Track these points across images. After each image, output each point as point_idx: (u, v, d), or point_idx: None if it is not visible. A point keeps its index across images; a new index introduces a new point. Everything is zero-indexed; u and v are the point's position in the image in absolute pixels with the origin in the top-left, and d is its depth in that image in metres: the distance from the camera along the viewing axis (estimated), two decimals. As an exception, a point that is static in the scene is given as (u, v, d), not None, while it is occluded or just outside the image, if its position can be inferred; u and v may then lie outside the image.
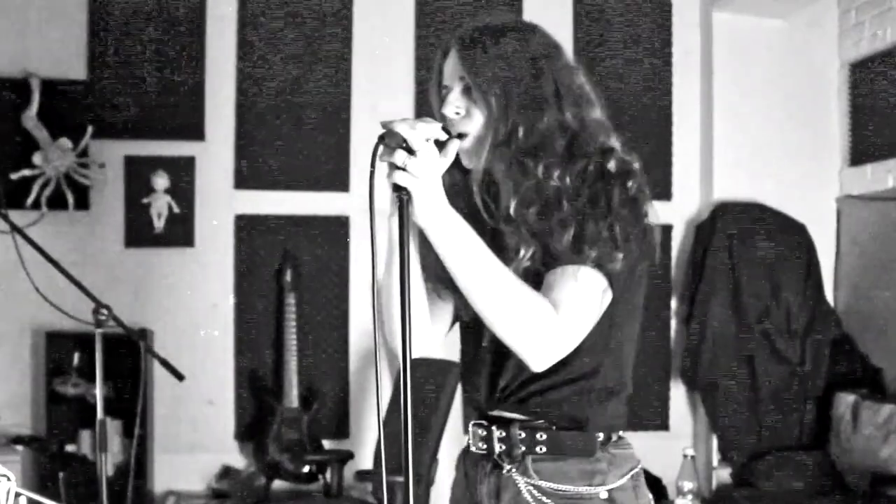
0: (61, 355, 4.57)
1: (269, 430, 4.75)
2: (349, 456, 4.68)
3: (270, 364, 4.95)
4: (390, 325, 1.70)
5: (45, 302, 2.99)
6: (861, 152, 5.04)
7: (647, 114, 5.33)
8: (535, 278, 1.62)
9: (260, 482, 4.71)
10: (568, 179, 1.65)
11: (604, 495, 1.70)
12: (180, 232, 4.93)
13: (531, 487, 1.71)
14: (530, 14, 5.24)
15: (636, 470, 1.77)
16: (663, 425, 5.30)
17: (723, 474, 5.01)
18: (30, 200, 4.64)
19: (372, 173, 1.53)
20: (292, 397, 4.78)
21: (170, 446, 4.82)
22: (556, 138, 1.68)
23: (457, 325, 1.84)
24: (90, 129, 4.75)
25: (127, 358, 3.76)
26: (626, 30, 5.33)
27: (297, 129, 5.04)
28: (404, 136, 1.54)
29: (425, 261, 1.70)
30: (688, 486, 3.96)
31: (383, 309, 1.72)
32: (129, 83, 4.89)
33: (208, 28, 4.98)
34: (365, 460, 4.52)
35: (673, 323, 5.33)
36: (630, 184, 1.70)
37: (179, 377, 3.09)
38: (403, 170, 1.54)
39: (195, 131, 4.96)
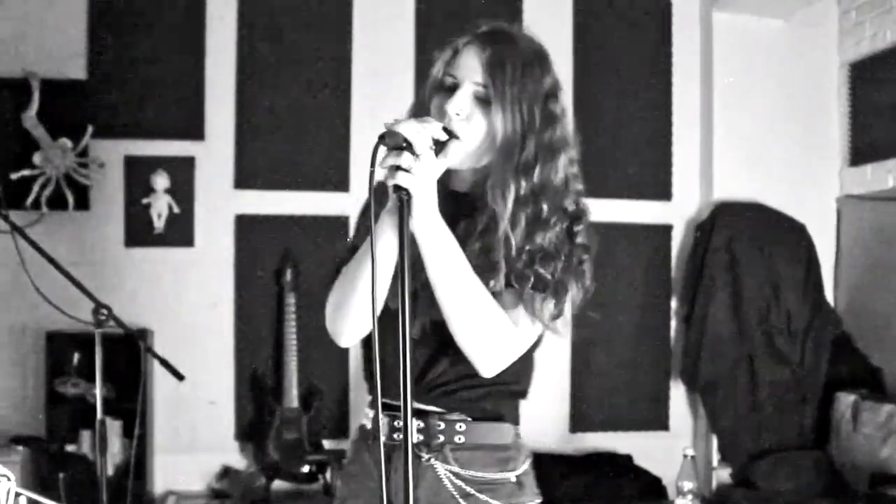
0: (61, 355, 4.57)
1: (269, 430, 4.75)
2: (349, 456, 4.68)
3: (270, 364, 4.95)
4: (341, 320, 1.80)
5: (45, 302, 2.99)
6: (861, 152, 5.04)
7: (647, 114, 5.33)
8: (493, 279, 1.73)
9: (260, 482, 4.71)
10: (553, 234, 1.76)
11: (513, 479, 1.85)
12: (180, 232, 4.93)
13: (450, 474, 1.81)
14: (530, 14, 5.24)
15: (531, 457, 1.94)
16: (663, 425, 5.30)
17: (723, 474, 5.01)
18: (30, 200, 4.64)
19: (372, 173, 1.54)
20: (292, 397, 4.78)
21: (170, 446, 4.82)
22: (559, 187, 1.79)
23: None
24: (90, 129, 4.75)
25: (127, 358, 3.76)
26: (626, 30, 5.33)
27: (297, 129, 5.05)
28: (409, 138, 1.55)
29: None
30: (688, 486, 3.97)
31: (339, 303, 1.80)
32: (129, 83, 4.89)
33: (208, 28, 4.99)
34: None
35: (673, 323, 5.33)
36: (581, 230, 1.83)
37: (179, 377, 3.09)
38: (407, 171, 1.55)
39: (195, 131, 4.97)
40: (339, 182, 5.02)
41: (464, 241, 1.71)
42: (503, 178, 1.72)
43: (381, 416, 1.77)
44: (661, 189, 5.34)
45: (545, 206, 1.75)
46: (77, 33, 4.86)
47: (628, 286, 5.30)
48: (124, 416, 4.47)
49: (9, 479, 1.75)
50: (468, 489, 1.81)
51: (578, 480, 4.68)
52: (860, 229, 5.11)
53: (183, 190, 4.93)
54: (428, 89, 1.79)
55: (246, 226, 5.01)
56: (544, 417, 5.13)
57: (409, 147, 1.56)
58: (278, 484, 4.74)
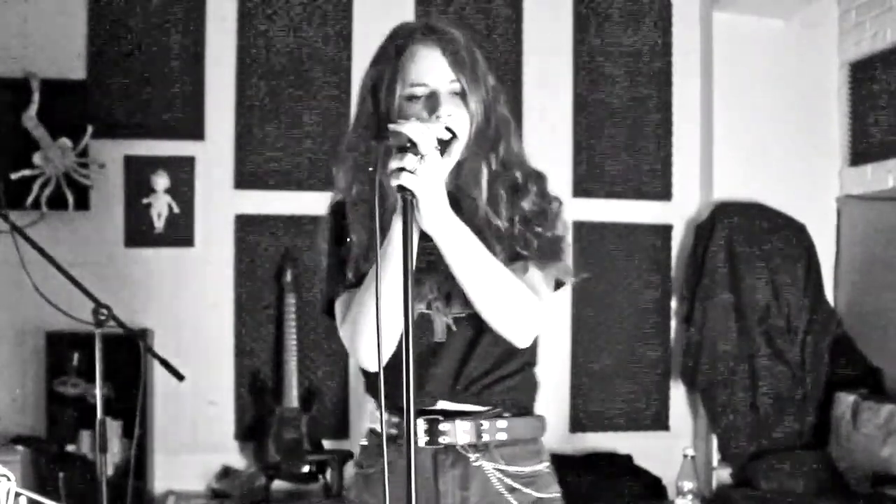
0: (61, 355, 4.57)
1: (269, 430, 4.75)
2: (349, 456, 4.68)
3: (270, 364, 4.95)
4: (359, 338, 1.75)
5: (45, 302, 2.99)
6: (861, 152, 5.04)
7: (647, 114, 5.33)
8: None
9: (260, 482, 4.71)
10: (533, 196, 1.84)
11: (547, 469, 1.92)
12: (180, 232, 4.93)
13: (497, 472, 1.84)
14: (530, 14, 5.24)
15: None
16: (663, 425, 5.30)
17: (723, 474, 5.01)
18: (30, 200, 4.64)
19: (373, 175, 1.54)
20: (292, 397, 4.78)
21: (170, 446, 4.82)
22: (521, 152, 1.88)
23: None
24: (90, 129, 4.74)
25: (127, 358, 3.76)
26: (626, 30, 5.33)
27: (297, 129, 5.05)
28: (414, 138, 1.55)
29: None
30: (688, 486, 3.96)
31: (356, 319, 1.76)
32: (129, 83, 4.89)
33: (208, 28, 4.98)
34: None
35: (673, 323, 5.33)
36: (557, 205, 1.89)
37: (179, 377, 3.09)
38: (412, 173, 1.54)
39: (195, 131, 4.96)
40: (339, 182, 5.02)
41: None
42: (474, 161, 1.79)
43: (420, 420, 1.81)
44: (661, 189, 5.34)
45: (518, 174, 1.84)
46: (77, 33, 4.85)
47: (628, 286, 5.30)
48: (124, 416, 4.46)
49: (9, 479, 1.75)
50: (514, 484, 1.85)
51: (578, 480, 4.68)
52: (860, 229, 5.11)
53: (183, 190, 4.93)
54: (397, 104, 1.78)
55: (246, 226, 5.01)
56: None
57: (413, 147, 1.55)
58: (278, 484, 4.74)
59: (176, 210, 4.90)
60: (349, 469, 4.64)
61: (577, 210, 5.17)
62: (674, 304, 5.33)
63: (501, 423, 1.85)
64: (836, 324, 5.01)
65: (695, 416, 5.30)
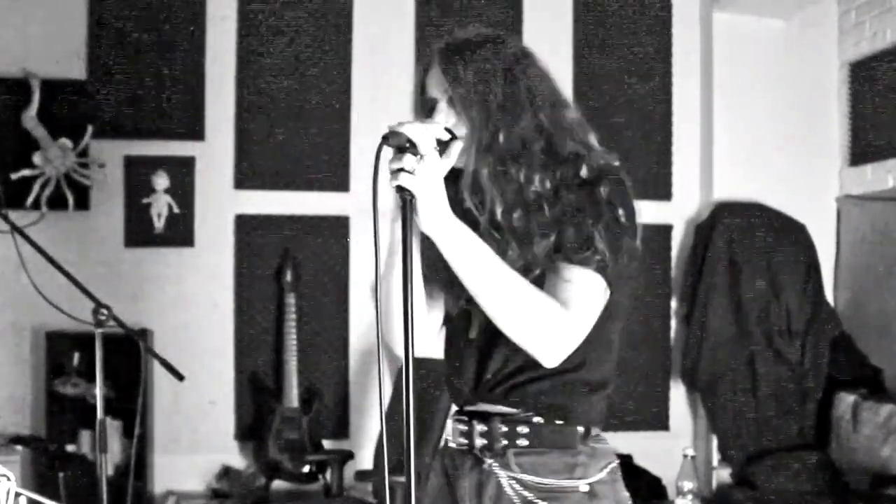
0: (61, 355, 4.57)
1: (269, 430, 4.75)
2: (349, 456, 4.68)
3: (270, 364, 4.95)
4: (389, 325, 1.72)
5: (45, 302, 2.99)
6: (861, 152, 5.04)
7: (647, 114, 5.33)
8: (524, 276, 1.65)
9: (260, 482, 4.72)
10: (548, 183, 1.69)
11: (584, 488, 1.72)
12: (180, 232, 4.93)
13: (513, 481, 1.72)
14: (530, 14, 5.24)
15: (614, 465, 1.81)
16: (663, 425, 5.30)
17: (723, 474, 5.01)
18: (30, 200, 4.64)
19: (375, 175, 1.53)
20: (292, 397, 4.78)
21: (170, 446, 4.82)
22: (534, 141, 1.72)
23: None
24: (90, 129, 4.75)
25: (127, 358, 3.76)
26: (626, 30, 5.33)
27: (297, 129, 5.05)
28: (413, 138, 1.55)
29: (422, 260, 1.72)
30: (688, 486, 3.96)
31: (383, 308, 1.73)
32: (129, 83, 4.89)
33: (208, 28, 4.98)
34: (365, 460, 4.52)
35: (673, 323, 5.33)
36: (604, 188, 1.74)
37: (179, 377, 3.08)
38: (410, 173, 1.54)
39: (195, 131, 4.96)
40: (339, 182, 5.02)
41: None
42: (482, 158, 1.69)
43: (450, 421, 1.78)
44: (661, 189, 5.34)
45: (512, 168, 1.69)
46: (77, 33, 4.85)
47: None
48: (124, 416, 4.47)
49: (9, 479, 1.74)
50: (530, 496, 1.71)
51: (578, 480, 4.68)
52: (860, 229, 5.11)
53: (183, 190, 4.93)
54: (414, 110, 1.79)
55: (246, 226, 5.01)
56: (544, 417, 5.13)
57: (412, 147, 1.55)
58: (278, 484, 4.74)
59: (176, 210, 4.90)
60: (349, 469, 4.64)
61: (577, 210, 5.17)
62: (674, 304, 5.33)
63: (523, 429, 1.73)
64: (836, 324, 5.01)
65: (695, 416, 5.30)
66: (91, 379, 4.05)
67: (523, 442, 1.73)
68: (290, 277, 4.84)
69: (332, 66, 5.08)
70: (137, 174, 4.89)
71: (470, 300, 1.71)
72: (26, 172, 4.65)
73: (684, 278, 5.23)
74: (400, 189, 1.55)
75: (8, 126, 4.67)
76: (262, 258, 4.99)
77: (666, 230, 5.36)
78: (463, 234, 1.61)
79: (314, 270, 4.99)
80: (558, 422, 1.74)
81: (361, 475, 4.08)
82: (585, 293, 1.64)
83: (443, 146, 1.62)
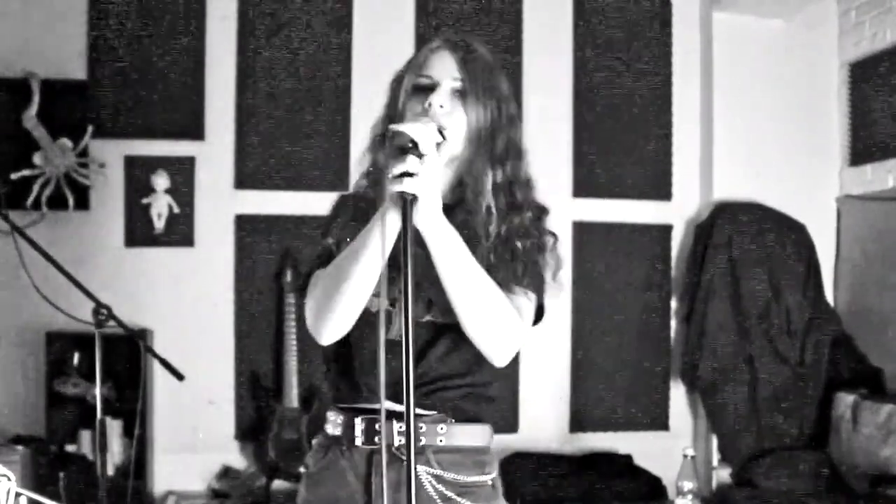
0: (61, 355, 4.57)
1: (268, 430, 4.75)
2: (349, 456, 4.68)
3: (270, 364, 4.95)
4: (323, 323, 1.76)
5: (45, 302, 2.99)
6: (861, 152, 5.04)
7: (647, 114, 5.33)
8: None
9: (260, 482, 4.71)
10: (527, 220, 1.84)
11: (490, 482, 1.87)
12: (180, 232, 4.93)
13: (431, 478, 1.81)
14: (531, 14, 5.24)
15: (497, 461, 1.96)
16: (663, 425, 5.30)
17: (723, 474, 5.01)
18: (30, 200, 4.64)
19: (377, 173, 1.54)
20: (292, 397, 4.78)
21: (170, 446, 4.82)
22: (526, 181, 1.87)
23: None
24: (90, 129, 4.75)
25: (127, 358, 3.77)
26: (626, 30, 5.33)
27: (297, 128, 5.05)
28: (416, 138, 1.55)
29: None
30: (688, 486, 3.96)
31: (322, 304, 1.76)
32: (129, 83, 4.89)
33: (208, 28, 4.98)
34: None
35: (673, 323, 5.33)
36: (557, 242, 1.90)
37: (179, 377, 3.09)
38: (413, 176, 1.54)
39: (195, 131, 4.96)
40: (339, 182, 5.02)
41: None
42: (480, 167, 1.80)
43: (358, 420, 1.80)
44: (661, 189, 5.34)
45: (519, 196, 1.83)
46: (77, 33, 4.85)
47: (628, 286, 5.30)
48: (124, 416, 4.47)
49: (9, 479, 1.74)
50: (448, 493, 1.81)
51: (578, 480, 4.68)
52: (860, 229, 5.11)
53: (183, 190, 4.93)
54: (402, 96, 1.83)
55: (246, 226, 5.01)
56: (544, 417, 5.13)
57: (415, 147, 1.54)
58: (278, 484, 4.74)
59: (176, 210, 4.90)
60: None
61: (577, 210, 5.17)
62: (674, 304, 5.33)
63: (441, 428, 1.82)
64: (836, 324, 5.01)
65: (695, 416, 5.30)
66: (91, 379, 4.06)
67: (441, 441, 1.82)
68: (290, 277, 4.84)
69: (332, 66, 5.08)
70: (137, 174, 4.89)
71: (393, 302, 1.78)
72: (26, 172, 4.65)
73: (684, 278, 5.23)
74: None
75: (8, 126, 4.67)
76: (262, 258, 4.99)
77: (666, 230, 5.36)
78: (451, 233, 1.66)
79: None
80: (468, 424, 1.85)
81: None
82: (531, 311, 1.81)
83: (437, 147, 1.63)
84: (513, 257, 1.79)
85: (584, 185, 5.25)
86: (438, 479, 1.81)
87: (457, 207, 1.80)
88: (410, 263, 1.54)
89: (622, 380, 5.29)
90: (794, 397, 4.91)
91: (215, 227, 4.97)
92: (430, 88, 1.79)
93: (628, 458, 5.03)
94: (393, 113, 1.84)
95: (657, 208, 5.34)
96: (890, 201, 4.87)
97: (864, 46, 4.98)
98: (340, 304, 1.72)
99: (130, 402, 4.13)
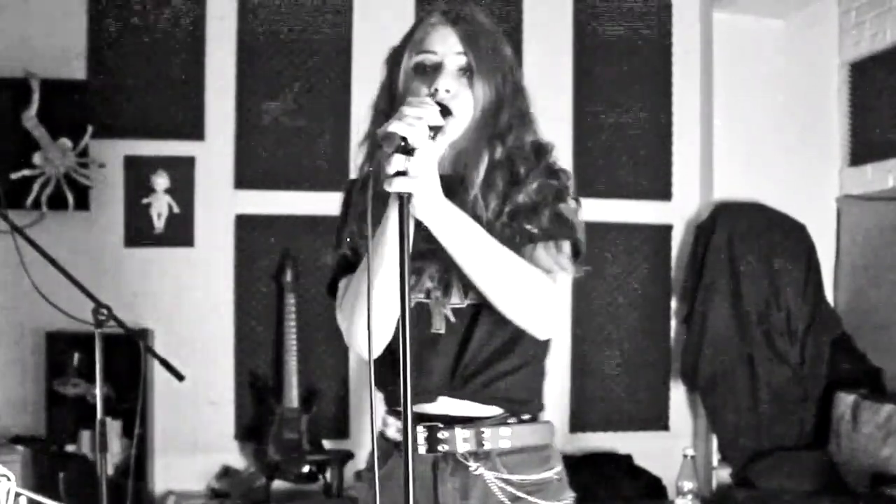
0: (61, 355, 4.57)
1: (269, 430, 4.75)
2: (349, 456, 4.69)
3: (270, 364, 4.95)
4: (354, 327, 1.72)
5: (45, 302, 2.99)
6: (861, 152, 5.04)
7: (647, 114, 5.33)
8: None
9: (260, 482, 4.71)
10: (540, 181, 1.78)
11: (556, 477, 1.86)
12: (180, 232, 4.93)
13: (499, 481, 1.78)
14: (530, 13, 5.24)
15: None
16: (663, 425, 5.30)
17: (723, 474, 5.01)
18: (30, 200, 4.64)
19: (367, 178, 1.52)
20: (292, 397, 4.78)
21: (170, 446, 4.82)
22: (532, 149, 1.82)
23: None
24: (90, 129, 4.75)
25: (127, 358, 3.76)
26: (625, 30, 5.33)
27: (298, 129, 5.04)
28: (403, 133, 1.51)
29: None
30: (688, 486, 3.96)
31: (352, 309, 1.73)
32: (129, 83, 4.89)
33: (208, 28, 4.98)
34: (365, 460, 4.51)
35: (673, 323, 5.33)
36: (565, 178, 1.86)
37: (179, 377, 3.09)
38: (403, 174, 1.52)
39: (195, 131, 4.96)
40: (339, 182, 5.00)
41: None
42: (476, 147, 1.74)
43: (420, 427, 1.76)
44: (661, 189, 5.34)
45: (522, 169, 1.77)
46: (77, 33, 4.85)
47: (628, 286, 5.30)
48: (124, 416, 4.47)
49: (9, 479, 1.74)
50: (518, 493, 1.79)
51: (578, 480, 4.67)
52: (860, 229, 5.11)
53: (183, 190, 4.93)
54: (402, 77, 1.79)
55: (246, 226, 5.01)
56: (544, 417, 5.12)
57: (405, 144, 1.51)
58: (278, 484, 4.74)
59: (176, 210, 4.90)
60: (349, 469, 4.64)
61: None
62: (674, 304, 5.33)
63: (505, 431, 1.79)
64: (836, 324, 5.01)
65: (695, 416, 5.30)
66: (91, 379, 4.05)
67: (506, 444, 1.79)
68: (290, 277, 4.84)
69: (332, 65, 5.08)
70: (137, 174, 4.89)
71: (427, 293, 1.73)
72: (26, 172, 4.65)
73: (684, 278, 5.23)
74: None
75: (8, 126, 4.67)
76: (262, 258, 4.99)
77: (666, 230, 5.36)
78: (458, 217, 1.62)
79: (314, 270, 4.98)
80: (528, 416, 1.83)
81: (361, 475, 4.07)
82: (563, 262, 1.74)
83: (436, 130, 1.59)
84: (517, 235, 1.73)
85: (584, 185, 5.24)
86: (506, 481, 1.79)
87: (461, 184, 1.75)
88: (408, 259, 1.51)
89: (622, 380, 5.29)
90: (794, 397, 4.91)
91: (215, 227, 4.97)
92: (434, 68, 1.75)
93: (628, 458, 5.03)
94: (394, 93, 1.80)
95: (657, 208, 5.34)
96: (890, 201, 4.87)
97: (864, 46, 4.98)
98: (380, 313, 1.66)
99: (130, 402, 4.13)
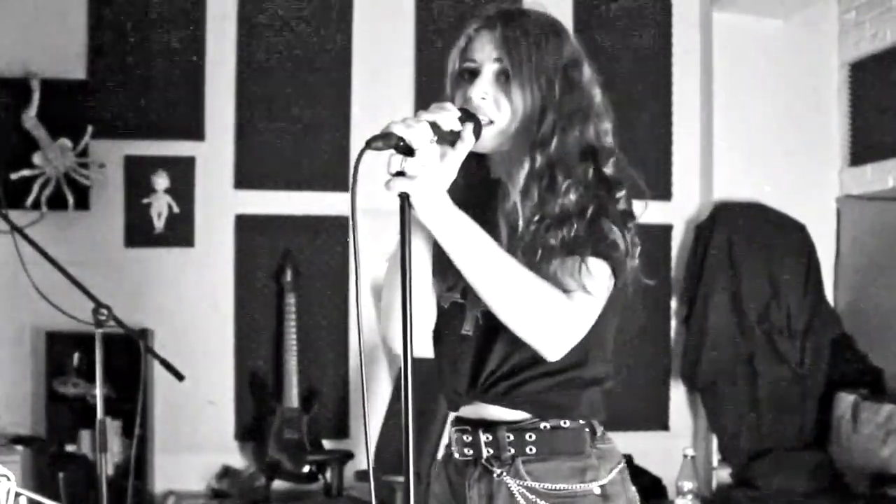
0: (61, 355, 4.57)
1: (269, 430, 4.75)
2: (349, 456, 4.68)
3: (270, 364, 4.95)
4: (389, 325, 1.70)
5: (45, 302, 2.99)
6: (861, 152, 5.04)
7: (647, 113, 5.33)
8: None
9: (260, 482, 4.71)
10: (583, 205, 1.65)
11: (597, 491, 1.70)
12: (180, 232, 4.93)
13: (524, 490, 1.68)
14: (530, 14, 5.23)
15: (622, 464, 1.79)
16: (663, 425, 5.30)
17: (723, 474, 5.01)
18: (30, 200, 4.64)
19: (353, 184, 1.46)
20: (292, 397, 4.78)
21: (170, 446, 4.82)
22: (579, 155, 1.71)
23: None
24: (90, 129, 4.75)
25: (127, 358, 3.76)
26: (626, 30, 5.33)
27: (297, 129, 5.04)
28: (402, 135, 1.49)
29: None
30: (688, 486, 3.96)
31: (386, 308, 1.71)
32: (129, 83, 4.89)
33: (208, 28, 4.98)
34: (365, 460, 4.52)
35: (673, 323, 5.33)
36: (622, 192, 1.74)
37: (179, 377, 3.09)
38: (402, 174, 1.50)
39: (195, 131, 4.96)
40: (339, 182, 5.02)
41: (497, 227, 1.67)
42: (518, 153, 1.67)
43: (452, 431, 1.72)
44: (661, 189, 5.33)
45: (560, 177, 1.64)
46: (77, 33, 4.85)
47: (628, 286, 5.29)
48: (124, 416, 4.47)
49: (9, 479, 1.75)
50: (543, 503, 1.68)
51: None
52: (860, 229, 5.11)
53: (183, 190, 4.93)
54: (449, 85, 1.72)
55: (246, 226, 5.01)
56: (544, 417, 5.13)
57: (404, 145, 1.50)
58: (278, 484, 4.74)
59: (176, 210, 4.90)
60: (349, 469, 4.64)
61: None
62: (674, 304, 5.32)
63: (530, 436, 1.68)
64: (836, 324, 5.01)
65: (695, 416, 5.30)
66: (91, 379, 4.05)
67: (532, 449, 1.68)
68: (290, 277, 4.84)
69: (332, 65, 5.08)
70: (137, 174, 4.89)
71: (464, 293, 1.69)
72: (26, 172, 4.65)
73: (684, 278, 5.23)
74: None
75: (8, 126, 4.67)
76: (262, 258, 4.99)
77: (666, 230, 5.35)
78: (458, 219, 1.55)
79: (314, 270, 4.99)
80: (562, 422, 1.70)
81: (361, 475, 4.08)
82: (590, 282, 1.58)
83: (451, 135, 1.55)
84: (539, 248, 1.60)
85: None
86: (531, 490, 1.67)
87: (497, 191, 1.70)
88: (409, 261, 1.51)
89: (622, 380, 5.26)
90: (794, 397, 4.91)
91: (215, 227, 4.97)
92: (473, 74, 1.68)
93: (628, 458, 5.03)
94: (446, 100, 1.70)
95: (657, 208, 5.33)
96: (890, 201, 4.87)
97: (864, 46, 4.98)
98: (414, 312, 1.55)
99: (130, 402, 4.12)
